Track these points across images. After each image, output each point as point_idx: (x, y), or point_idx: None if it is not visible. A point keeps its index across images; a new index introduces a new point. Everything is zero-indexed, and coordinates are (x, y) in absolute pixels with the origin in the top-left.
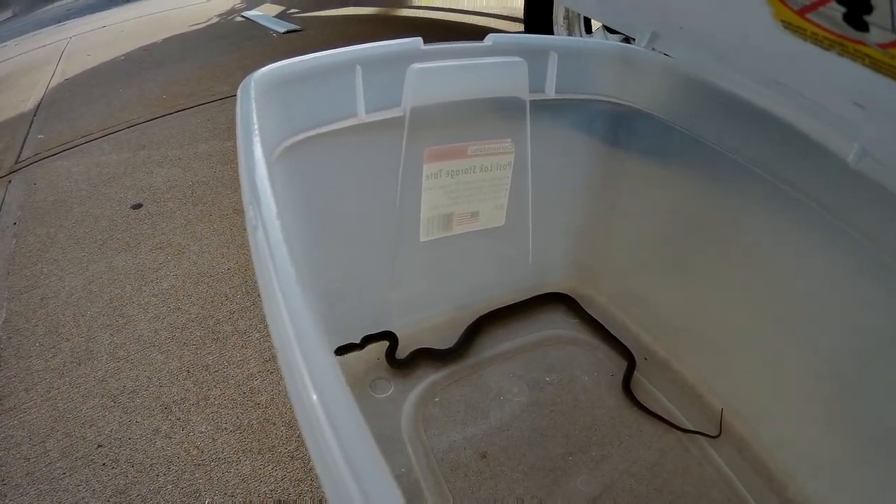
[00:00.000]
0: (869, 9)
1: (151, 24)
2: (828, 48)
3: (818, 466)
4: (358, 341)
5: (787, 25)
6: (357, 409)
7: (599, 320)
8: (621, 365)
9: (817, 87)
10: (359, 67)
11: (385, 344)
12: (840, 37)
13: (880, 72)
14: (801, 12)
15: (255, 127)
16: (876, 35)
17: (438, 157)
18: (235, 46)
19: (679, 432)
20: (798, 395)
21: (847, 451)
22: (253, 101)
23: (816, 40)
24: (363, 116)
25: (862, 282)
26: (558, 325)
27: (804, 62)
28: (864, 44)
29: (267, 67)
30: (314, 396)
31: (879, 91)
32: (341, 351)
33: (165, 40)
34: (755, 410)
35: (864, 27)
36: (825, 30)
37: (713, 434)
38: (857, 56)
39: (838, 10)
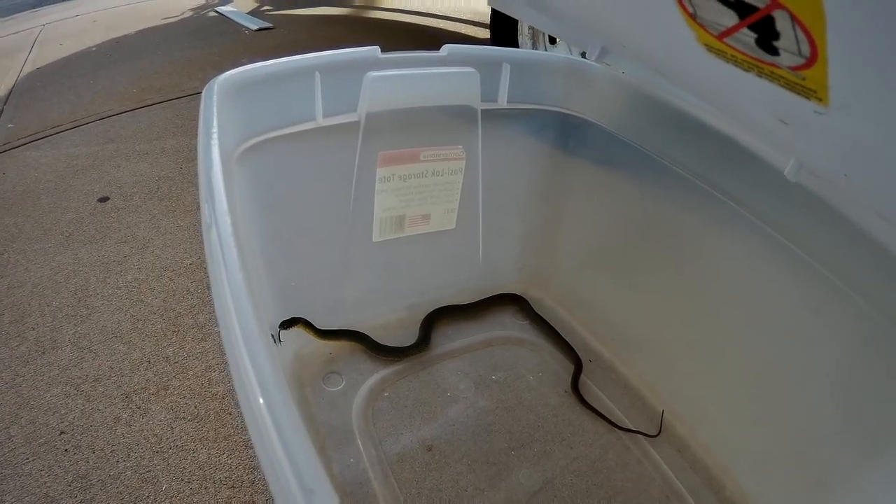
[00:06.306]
0: (776, 35)
1: (125, 15)
2: (747, 70)
3: (753, 463)
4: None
5: (710, 48)
6: (292, 404)
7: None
8: (566, 366)
9: (744, 105)
10: (318, 73)
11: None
12: (756, 59)
13: (794, 91)
14: (720, 37)
15: (215, 131)
16: (786, 59)
17: (392, 161)
18: (207, 42)
19: (620, 432)
20: (732, 395)
21: (779, 447)
22: (215, 104)
23: (736, 62)
24: (321, 120)
25: (795, 290)
26: (506, 327)
27: (730, 82)
28: (777, 66)
29: (231, 71)
30: (259, 397)
31: (797, 109)
32: (286, 325)
33: (138, 33)
34: (695, 411)
35: (774, 52)
36: (742, 53)
37: (653, 434)
38: (773, 77)
39: (751, 36)
